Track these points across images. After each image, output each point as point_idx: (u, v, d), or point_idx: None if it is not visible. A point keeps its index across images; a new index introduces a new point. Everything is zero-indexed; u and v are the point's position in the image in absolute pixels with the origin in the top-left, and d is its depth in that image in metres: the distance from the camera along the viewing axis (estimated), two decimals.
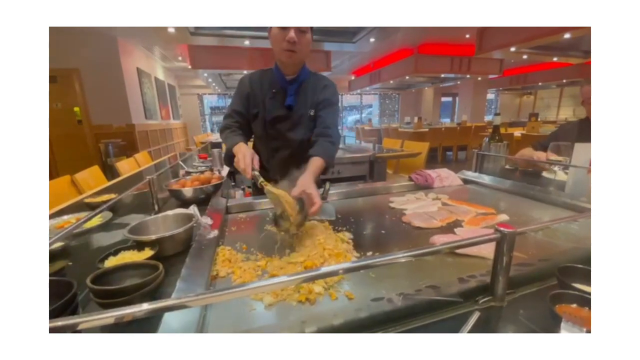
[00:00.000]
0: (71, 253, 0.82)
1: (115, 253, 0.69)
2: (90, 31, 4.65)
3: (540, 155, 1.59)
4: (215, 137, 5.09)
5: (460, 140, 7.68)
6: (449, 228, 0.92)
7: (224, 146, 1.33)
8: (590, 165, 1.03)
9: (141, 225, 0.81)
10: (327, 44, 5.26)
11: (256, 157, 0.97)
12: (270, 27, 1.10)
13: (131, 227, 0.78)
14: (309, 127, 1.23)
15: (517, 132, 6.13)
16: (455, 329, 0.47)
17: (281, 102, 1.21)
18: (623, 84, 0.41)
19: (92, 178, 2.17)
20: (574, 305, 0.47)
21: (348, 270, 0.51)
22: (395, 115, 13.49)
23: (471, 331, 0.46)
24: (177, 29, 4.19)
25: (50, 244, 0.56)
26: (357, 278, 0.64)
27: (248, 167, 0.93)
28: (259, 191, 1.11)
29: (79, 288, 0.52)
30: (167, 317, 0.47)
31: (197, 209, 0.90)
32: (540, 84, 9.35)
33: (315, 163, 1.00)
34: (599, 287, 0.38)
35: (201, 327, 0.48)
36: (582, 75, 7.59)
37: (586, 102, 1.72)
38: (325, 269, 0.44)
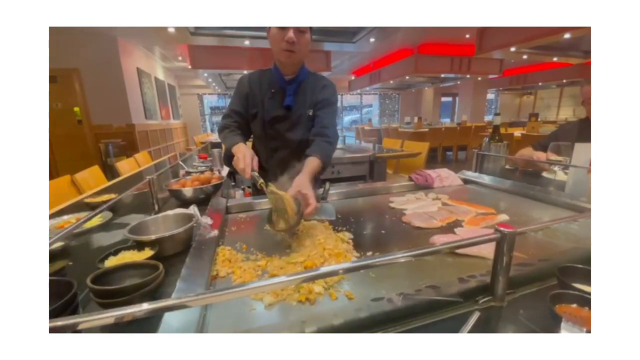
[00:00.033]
0: (71, 253, 0.82)
1: (116, 253, 0.69)
2: (90, 31, 4.66)
3: (539, 155, 1.59)
4: (215, 137, 5.08)
5: (460, 140, 7.68)
6: (449, 228, 0.92)
7: (224, 146, 1.33)
8: (590, 165, 1.03)
9: (141, 225, 0.81)
10: (327, 44, 5.26)
11: (255, 158, 0.97)
12: (269, 27, 1.10)
13: (131, 227, 0.78)
14: (308, 127, 1.23)
15: (517, 132, 6.13)
16: (455, 329, 0.47)
17: (280, 102, 1.21)
18: (623, 84, 0.41)
19: (92, 178, 2.17)
20: (574, 305, 0.47)
21: (348, 270, 0.51)
22: (395, 115, 13.49)
23: (471, 331, 0.46)
24: (177, 29, 4.18)
25: (51, 244, 0.57)
26: (357, 278, 0.64)
27: (248, 167, 0.93)
28: (258, 191, 1.11)
29: (79, 288, 0.52)
30: (167, 317, 0.47)
31: (197, 209, 0.90)
32: (540, 84, 9.35)
33: (312, 163, 1.00)
34: (599, 287, 0.38)
35: (201, 327, 0.48)
36: (582, 75, 7.59)
37: (586, 102, 1.72)
38: (325, 269, 0.44)
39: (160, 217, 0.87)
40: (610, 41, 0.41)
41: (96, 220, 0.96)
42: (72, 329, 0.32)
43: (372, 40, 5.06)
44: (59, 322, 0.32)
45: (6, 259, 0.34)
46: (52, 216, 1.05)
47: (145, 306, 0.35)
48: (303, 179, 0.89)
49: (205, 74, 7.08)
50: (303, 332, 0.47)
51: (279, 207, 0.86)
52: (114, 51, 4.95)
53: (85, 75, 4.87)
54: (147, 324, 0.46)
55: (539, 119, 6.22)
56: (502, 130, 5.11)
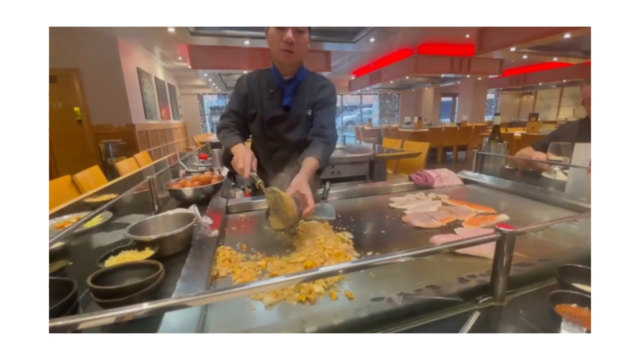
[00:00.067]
0: (71, 253, 0.82)
1: (116, 253, 0.69)
2: (90, 31, 4.66)
3: (538, 156, 1.59)
4: (216, 137, 5.08)
5: (460, 140, 7.68)
6: (449, 228, 0.92)
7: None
8: (590, 165, 1.04)
9: (141, 225, 0.81)
10: (327, 44, 5.25)
11: (254, 158, 0.97)
12: (268, 27, 1.10)
13: (131, 227, 0.78)
14: (306, 128, 1.22)
15: (517, 132, 6.13)
16: (455, 329, 0.47)
17: (279, 103, 1.21)
18: (623, 84, 0.41)
19: (92, 178, 2.17)
20: (574, 305, 0.47)
21: (348, 270, 0.51)
22: (395, 115, 13.49)
23: (471, 331, 0.46)
24: (177, 29, 4.18)
25: (51, 244, 0.57)
26: (357, 278, 0.64)
27: (247, 167, 0.92)
28: (258, 191, 1.11)
29: (79, 288, 0.52)
30: (168, 316, 0.47)
31: (197, 209, 0.90)
32: (540, 84, 9.35)
33: (310, 163, 1.00)
34: (599, 287, 0.38)
35: (201, 326, 0.48)
36: (582, 75, 7.59)
37: (586, 102, 1.72)
38: (325, 269, 0.44)
39: (160, 217, 0.87)
40: (610, 41, 0.41)
41: (96, 220, 0.96)
42: (73, 328, 0.32)
43: (372, 40, 5.05)
44: (59, 322, 0.32)
45: (6, 259, 0.34)
46: (52, 216, 1.05)
47: (146, 306, 0.35)
48: (301, 179, 0.89)
49: (205, 74, 7.08)
50: (303, 332, 0.47)
51: (277, 207, 0.86)
52: (114, 51, 4.95)
53: (85, 75, 4.87)
54: (148, 324, 0.46)
55: (539, 119, 6.22)
56: (502, 130, 5.11)
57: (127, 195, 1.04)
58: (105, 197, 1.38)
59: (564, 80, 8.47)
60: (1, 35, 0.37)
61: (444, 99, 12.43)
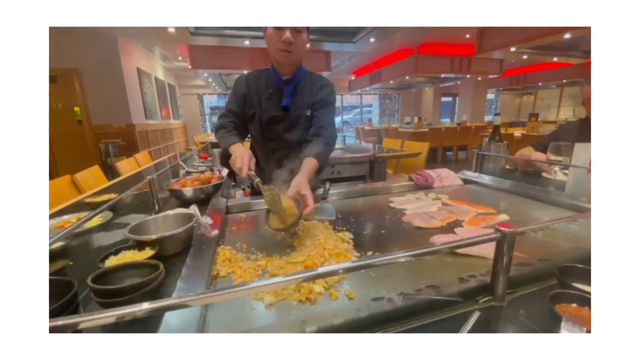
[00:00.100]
0: (72, 253, 0.82)
1: (116, 253, 0.69)
2: (90, 31, 4.65)
3: (537, 156, 1.59)
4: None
5: (460, 140, 7.68)
6: (449, 228, 0.92)
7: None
8: (590, 165, 1.04)
9: (141, 225, 0.81)
10: (327, 44, 5.25)
11: (253, 157, 0.97)
12: (266, 27, 1.09)
13: (132, 227, 0.78)
14: (306, 128, 1.22)
15: (517, 132, 6.13)
16: (455, 329, 0.47)
17: (277, 103, 1.20)
18: (623, 84, 0.41)
19: (92, 178, 2.17)
20: (574, 305, 0.47)
21: (348, 270, 0.51)
22: (395, 115, 13.49)
23: (471, 331, 0.46)
24: (177, 29, 4.18)
25: (51, 244, 0.57)
26: (357, 278, 0.64)
27: (245, 166, 0.92)
28: (257, 191, 1.11)
29: (79, 287, 0.52)
30: (168, 316, 0.47)
31: (198, 209, 0.90)
32: (540, 84, 9.35)
33: (309, 164, 1.00)
34: (599, 287, 0.38)
35: (202, 326, 0.48)
36: (582, 75, 7.59)
37: (586, 102, 1.72)
38: (325, 269, 0.44)
39: (160, 217, 0.87)
40: (610, 41, 0.41)
41: (96, 220, 0.96)
42: (73, 328, 0.32)
43: (372, 40, 5.05)
44: (60, 322, 0.32)
45: (6, 259, 0.34)
46: (52, 216, 1.05)
47: (146, 306, 0.35)
48: (301, 180, 0.89)
49: (205, 74, 7.08)
50: (303, 331, 0.47)
51: (275, 205, 0.86)
52: (114, 51, 4.95)
53: (85, 75, 4.87)
54: (148, 324, 0.46)
55: (539, 119, 6.22)
56: (502, 130, 5.11)
57: (127, 195, 1.05)
58: (105, 197, 1.39)
59: (564, 80, 8.47)
60: (1, 35, 0.37)
61: (444, 99, 12.43)
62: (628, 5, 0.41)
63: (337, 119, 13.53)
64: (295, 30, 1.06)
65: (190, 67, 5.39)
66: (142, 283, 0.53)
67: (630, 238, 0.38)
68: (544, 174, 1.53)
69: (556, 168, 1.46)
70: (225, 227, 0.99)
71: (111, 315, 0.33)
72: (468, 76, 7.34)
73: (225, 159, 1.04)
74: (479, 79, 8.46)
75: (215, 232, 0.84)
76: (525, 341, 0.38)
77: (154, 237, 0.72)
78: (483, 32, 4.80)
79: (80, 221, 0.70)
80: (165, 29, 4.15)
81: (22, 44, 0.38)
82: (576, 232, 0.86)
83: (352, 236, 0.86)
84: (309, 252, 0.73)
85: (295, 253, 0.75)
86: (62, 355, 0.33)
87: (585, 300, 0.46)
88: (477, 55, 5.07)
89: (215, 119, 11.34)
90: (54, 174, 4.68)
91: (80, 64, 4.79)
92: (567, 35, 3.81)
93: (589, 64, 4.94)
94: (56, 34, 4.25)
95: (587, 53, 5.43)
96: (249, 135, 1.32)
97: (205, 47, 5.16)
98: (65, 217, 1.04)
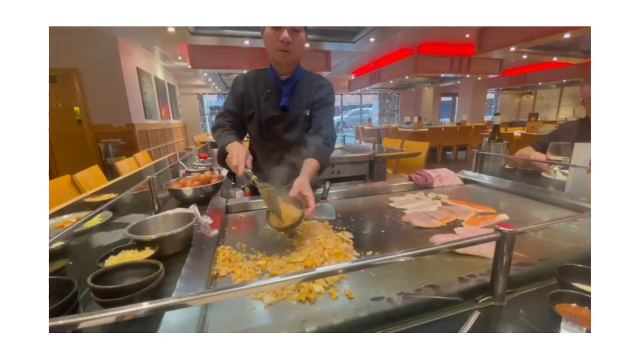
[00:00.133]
0: (72, 253, 0.82)
1: (116, 252, 0.69)
2: (90, 31, 4.66)
3: (536, 156, 1.59)
4: None
5: (460, 140, 7.68)
6: (449, 228, 0.92)
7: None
8: (590, 165, 1.04)
9: (141, 225, 0.81)
10: (327, 44, 5.25)
11: (250, 156, 0.97)
12: (264, 27, 1.09)
13: (132, 227, 0.78)
14: (305, 128, 1.22)
15: (517, 132, 6.13)
16: (455, 329, 0.47)
17: (276, 103, 1.20)
18: (623, 84, 0.41)
19: (92, 178, 2.17)
20: (574, 305, 0.47)
21: (348, 270, 0.51)
22: (395, 115, 13.50)
23: (471, 331, 0.46)
24: (177, 29, 4.18)
25: (51, 244, 0.57)
26: (357, 278, 0.64)
27: (241, 164, 0.92)
28: (257, 191, 1.11)
29: (80, 287, 0.52)
30: (168, 316, 0.47)
31: (198, 209, 0.90)
32: (540, 84, 9.35)
33: (311, 164, 1.00)
34: (599, 287, 0.38)
35: (202, 326, 0.48)
36: (582, 75, 7.60)
37: (586, 102, 1.72)
38: (325, 269, 0.44)
39: (160, 217, 0.87)
40: (610, 41, 0.41)
41: (96, 220, 0.96)
42: (73, 328, 0.32)
43: (372, 40, 5.06)
44: (60, 322, 0.32)
45: (6, 259, 0.34)
46: (52, 216, 1.05)
47: (146, 306, 0.35)
48: (303, 181, 0.89)
49: (205, 74, 7.08)
50: (303, 331, 0.47)
51: (272, 203, 0.86)
52: (114, 51, 4.95)
53: (85, 75, 4.87)
54: (148, 324, 0.46)
55: (539, 119, 6.22)
56: (502, 130, 5.11)
57: (127, 195, 1.05)
58: (105, 197, 1.39)
59: (564, 80, 8.48)
60: (1, 35, 0.37)
61: (444, 99, 12.43)
62: (628, 5, 0.41)
63: (337, 118, 13.59)
64: (293, 30, 1.06)
65: (190, 67, 5.39)
66: (142, 283, 0.53)
67: (630, 238, 0.38)
68: (544, 174, 1.53)
69: (556, 168, 1.46)
70: (225, 227, 0.99)
71: (111, 315, 0.33)
72: (468, 76, 7.34)
73: (223, 158, 1.03)
74: (479, 79, 8.46)
75: (215, 232, 0.84)
76: (525, 341, 0.38)
77: (154, 237, 0.72)
78: (483, 32, 4.80)
79: (80, 221, 0.70)
80: (165, 29, 4.15)
81: (22, 44, 0.38)
82: (576, 232, 0.86)
83: (352, 236, 0.86)
84: (309, 252, 0.73)
85: (295, 253, 0.75)
86: (62, 355, 0.33)
87: (585, 300, 0.46)
88: (477, 55, 5.07)
89: (215, 118, 11.37)
90: (54, 174, 4.68)
91: (80, 64, 4.79)
92: (567, 35, 3.81)
93: (589, 64, 4.94)
94: (56, 34, 4.25)
95: (587, 53, 5.43)
96: (248, 136, 1.32)
97: (205, 47, 5.17)
98: (65, 217, 1.04)
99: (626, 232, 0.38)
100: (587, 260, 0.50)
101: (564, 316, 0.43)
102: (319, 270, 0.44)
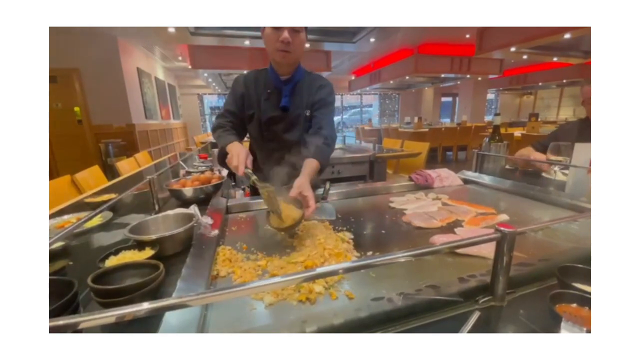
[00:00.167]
0: (72, 253, 0.82)
1: (116, 252, 0.69)
2: (90, 31, 4.66)
3: (537, 156, 1.59)
4: None
5: (460, 140, 7.68)
6: (449, 228, 0.92)
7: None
8: (590, 165, 1.04)
9: (141, 224, 0.81)
10: (327, 44, 5.26)
11: (250, 156, 0.97)
12: (264, 27, 1.09)
13: (132, 227, 0.78)
14: (305, 128, 1.21)
15: (517, 132, 6.13)
16: (455, 329, 0.47)
17: (276, 103, 1.20)
18: (623, 84, 0.41)
19: (92, 178, 2.17)
20: (574, 305, 0.47)
21: (348, 270, 0.51)
22: (395, 115, 13.50)
23: (471, 331, 0.46)
24: (177, 29, 4.19)
25: (51, 244, 0.57)
26: (357, 278, 0.64)
27: (241, 164, 0.92)
28: (257, 191, 1.11)
29: (80, 287, 0.52)
30: (168, 316, 0.47)
31: (198, 209, 0.90)
32: (540, 84, 9.35)
33: (311, 165, 0.99)
34: (599, 287, 0.38)
35: (202, 326, 0.48)
36: (582, 75, 7.60)
37: (586, 102, 1.72)
38: (325, 269, 0.44)
39: (160, 217, 0.87)
40: (610, 41, 0.41)
41: (96, 220, 0.96)
42: (73, 328, 0.32)
43: (372, 40, 5.06)
44: (60, 322, 0.32)
45: (6, 259, 0.34)
46: (52, 216, 1.05)
47: (146, 305, 0.35)
48: (303, 181, 0.89)
49: (205, 74, 7.09)
50: (303, 331, 0.47)
51: (272, 203, 0.86)
52: (114, 51, 4.95)
53: (85, 75, 4.87)
54: (148, 324, 0.46)
55: (539, 119, 6.22)
56: (502, 130, 5.11)
57: (127, 195, 1.05)
58: (105, 197, 1.39)
59: (564, 80, 8.48)
60: (1, 35, 0.37)
61: (444, 99, 12.43)
62: (628, 5, 0.41)
63: (337, 118, 13.59)
64: (293, 30, 1.06)
65: (190, 67, 5.40)
66: (142, 283, 0.53)
67: (630, 238, 0.38)
68: (544, 174, 1.53)
69: (556, 168, 1.46)
70: (225, 227, 0.99)
71: (111, 315, 0.33)
72: (468, 76, 7.34)
73: (223, 158, 1.03)
74: (479, 79, 8.47)
75: (215, 232, 0.84)
76: (525, 341, 0.38)
77: (154, 237, 0.72)
78: (483, 32, 4.80)
79: (80, 221, 0.70)
80: (165, 29, 4.15)
81: (22, 44, 0.38)
82: (576, 232, 0.86)
83: (352, 236, 0.86)
84: (309, 252, 0.73)
85: (295, 253, 0.75)
86: (62, 355, 0.33)
87: (585, 300, 0.46)
88: (477, 55, 5.07)
89: (215, 118, 11.37)
90: (54, 174, 4.68)
91: (80, 64, 4.79)
92: (567, 35, 3.81)
93: (589, 64, 4.94)
94: (56, 34, 4.26)
95: (587, 53, 5.43)
96: (248, 136, 1.32)
97: (205, 47, 5.17)
98: (65, 217, 1.04)
99: (626, 232, 0.38)
100: (587, 260, 0.50)
101: (564, 316, 0.43)
102: (319, 270, 0.44)
